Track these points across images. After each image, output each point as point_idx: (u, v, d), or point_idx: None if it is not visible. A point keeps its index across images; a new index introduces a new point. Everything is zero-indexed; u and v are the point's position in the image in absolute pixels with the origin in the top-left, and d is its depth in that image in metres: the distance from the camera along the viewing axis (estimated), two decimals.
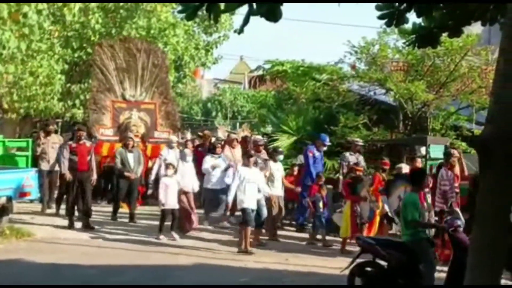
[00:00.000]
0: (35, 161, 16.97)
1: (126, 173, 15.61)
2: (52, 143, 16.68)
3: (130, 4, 20.79)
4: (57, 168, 16.37)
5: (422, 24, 6.01)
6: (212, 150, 16.29)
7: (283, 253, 13.34)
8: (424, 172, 11.90)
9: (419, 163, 15.54)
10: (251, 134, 23.17)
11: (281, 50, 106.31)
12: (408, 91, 19.70)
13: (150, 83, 18.71)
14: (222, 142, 16.88)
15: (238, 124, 47.57)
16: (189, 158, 15.10)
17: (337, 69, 23.05)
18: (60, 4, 17.90)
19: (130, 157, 15.84)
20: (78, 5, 17.99)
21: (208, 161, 15.70)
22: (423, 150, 18.09)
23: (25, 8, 14.96)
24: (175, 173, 14.23)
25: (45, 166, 16.50)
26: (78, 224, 14.69)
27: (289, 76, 24.69)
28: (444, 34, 6.23)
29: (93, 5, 19.29)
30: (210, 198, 15.71)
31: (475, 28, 12.30)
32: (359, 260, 9.81)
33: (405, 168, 14.81)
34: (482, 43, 21.49)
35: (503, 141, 4.65)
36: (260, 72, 27.91)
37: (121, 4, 20.37)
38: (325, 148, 16.55)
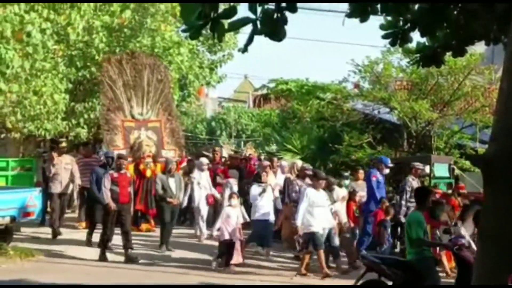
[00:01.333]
0: (46, 183, 16.71)
1: (168, 199, 14.76)
2: (65, 164, 16.29)
3: (134, 23, 20.86)
4: (69, 190, 16.26)
5: (426, 43, 6.02)
6: (257, 178, 15.04)
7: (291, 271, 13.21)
8: (429, 190, 11.85)
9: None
10: (255, 153, 23.13)
11: (285, 69, 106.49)
12: (412, 109, 19.73)
13: (155, 99, 18.18)
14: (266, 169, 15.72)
15: (242, 142, 47.59)
16: (235, 187, 14.57)
17: (341, 88, 23.11)
18: (63, 23, 17.94)
19: (172, 182, 14.96)
20: (81, 24, 18.05)
21: (255, 191, 14.52)
22: (427, 168, 18.07)
23: (29, 27, 15.04)
24: (241, 203, 13.63)
25: (56, 188, 16.07)
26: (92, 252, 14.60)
27: (293, 95, 24.77)
28: (448, 53, 6.24)
29: (97, 24, 19.33)
30: (258, 230, 14.45)
31: (479, 48, 12.33)
32: (364, 279, 9.77)
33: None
34: (486, 62, 21.55)
35: (507, 160, 4.64)
36: (265, 91, 28.03)
37: (125, 23, 20.43)
38: (387, 171, 15.92)
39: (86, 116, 21.53)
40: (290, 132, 22.91)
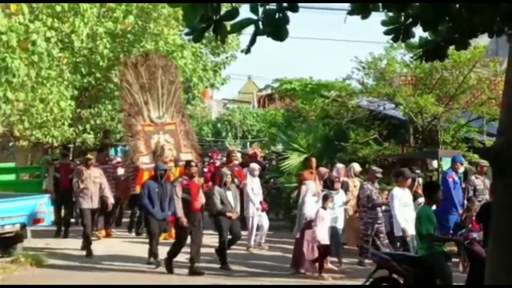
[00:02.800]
0: (56, 191, 16.61)
1: (228, 213, 13.73)
2: (94, 177, 15.40)
3: (137, 28, 20.94)
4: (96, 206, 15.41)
5: (429, 38, 6.01)
6: (328, 185, 14.24)
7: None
8: (437, 185, 11.85)
9: None
10: (261, 153, 23.12)
11: (288, 68, 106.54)
12: (418, 104, 19.68)
13: (169, 102, 17.50)
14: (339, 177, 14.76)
15: (248, 143, 47.65)
16: (313, 190, 13.64)
17: (346, 85, 23.09)
18: (68, 31, 18.04)
19: (229, 195, 14.07)
20: (85, 31, 18.13)
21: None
22: (435, 163, 18.04)
23: (34, 36, 15.11)
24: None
25: (87, 203, 15.11)
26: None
27: (297, 94, 24.77)
28: (452, 47, 6.23)
29: (100, 30, 19.43)
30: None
31: (483, 40, 12.32)
32: (375, 276, 9.77)
33: None
34: (490, 54, 21.49)
35: None
36: (269, 91, 28.04)
37: (128, 28, 20.51)
38: (462, 169, 15.40)
39: (92, 122, 21.66)
40: (295, 131, 22.87)
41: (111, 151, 23.02)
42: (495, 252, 4.86)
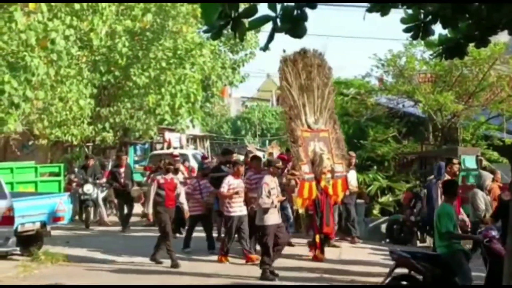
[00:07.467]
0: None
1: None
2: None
3: (156, 26, 21.00)
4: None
5: (448, 35, 5.98)
6: None
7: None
8: (457, 183, 11.77)
9: None
10: (279, 152, 23.06)
11: None
12: (437, 102, 19.62)
13: (323, 106, 15.48)
14: None
15: (267, 141, 47.67)
16: None
17: (365, 83, 23.06)
18: (86, 29, 18.13)
19: None
20: (104, 29, 18.21)
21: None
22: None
23: (53, 34, 15.20)
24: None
25: (274, 219, 12.65)
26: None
27: None
28: (471, 44, 6.19)
29: (119, 28, 19.50)
30: None
31: (503, 37, 12.19)
32: (395, 274, 9.74)
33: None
34: (510, 51, 21.37)
35: None
36: None
37: (147, 26, 20.59)
38: None
39: (111, 120, 21.72)
40: None
41: (130, 150, 23.07)
42: None
